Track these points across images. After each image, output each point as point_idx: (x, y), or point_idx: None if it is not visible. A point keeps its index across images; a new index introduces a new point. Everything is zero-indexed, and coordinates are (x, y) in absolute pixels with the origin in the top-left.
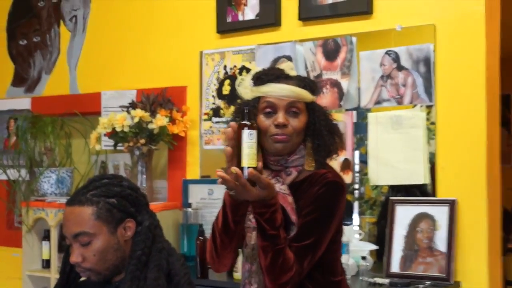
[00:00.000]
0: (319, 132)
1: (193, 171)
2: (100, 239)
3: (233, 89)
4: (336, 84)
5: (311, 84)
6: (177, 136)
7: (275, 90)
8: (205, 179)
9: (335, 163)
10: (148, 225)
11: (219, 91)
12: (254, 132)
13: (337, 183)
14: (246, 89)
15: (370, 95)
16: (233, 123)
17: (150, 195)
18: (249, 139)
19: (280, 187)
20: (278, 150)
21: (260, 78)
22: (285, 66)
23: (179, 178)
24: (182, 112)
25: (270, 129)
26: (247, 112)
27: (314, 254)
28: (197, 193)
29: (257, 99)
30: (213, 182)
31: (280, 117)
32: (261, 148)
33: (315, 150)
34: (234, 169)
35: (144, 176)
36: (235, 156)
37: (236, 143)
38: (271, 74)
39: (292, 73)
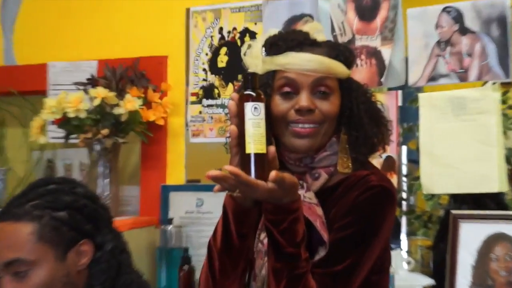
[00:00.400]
0: (359, 120)
1: (175, 173)
2: (43, 268)
3: (231, 60)
4: (374, 54)
5: (346, 53)
6: (154, 125)
7: (297, 62)
8: (192, 185)
9: (374, 163)
10: (111, 249)
11: (212, 62)
12: (261, 105)
13: (385, 189)
14: (257, 59)
15: (422, 69)
16: (234, 94)
17: (115, 207)
18: (254, 115)
19: (305, 195)
20: (300, 148)
21: (276, 45)
22: (310, 27)
23: (156, 184)
24: (161, 92)
25: (289, 116)
26: (251, 78)
27: (348, 285)
28: (181, 205)
29: (271, 74)
30: (204, 189)
31: (304, 99)
32: (277, 140)
33: (353, 144)
34: (227, 168)
35: (107, 180)
36: (243, 137)
37: (241, 121)
38: (292, 40)
39: (321, 37)
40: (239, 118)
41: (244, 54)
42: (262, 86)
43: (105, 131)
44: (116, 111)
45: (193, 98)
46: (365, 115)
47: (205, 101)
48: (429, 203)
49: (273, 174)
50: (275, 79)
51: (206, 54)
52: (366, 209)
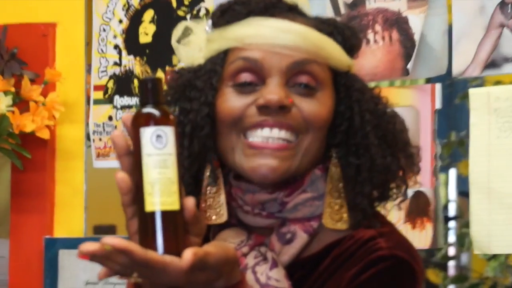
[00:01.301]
0: (362, 138)
1: (69, 218)
2: None
3: (162, 31)
4: (397, 23)
5: (347, 33)
6: (34, 138)
7: (265, 33)
8: (98, 238)
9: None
10: None
11: (130, 35)
12: (168, 131)
13: (401, 262)
14: (198, 50)
15: (474, 48)
16: (125, 116)
17: None
18: (157, 147)
19: (269, 274)
20: (261, 175)
21: (232, 11)
22: None
23: (36, 236)
24: (44, 84)
25: (246, 118)
26: (152, 87)
27: None
28: (78, 271)
29: (221, 57)
30: None
31: (273, 90)
32: (222, 169)
33: (352, 181)
34: (109, 242)
35: None
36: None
37: (138, 160)
38: (257, 1)
39: (306, 10)
40: (135, 155)
41: (178, 41)
42: (205, 75)
43: None
44: None
45: (99, 95)
46: (372, 131)
47: (119, 100)
48: (492, 265)
49: (188, 254)
50: (226, 62)
51: (120, 21)
52: None
